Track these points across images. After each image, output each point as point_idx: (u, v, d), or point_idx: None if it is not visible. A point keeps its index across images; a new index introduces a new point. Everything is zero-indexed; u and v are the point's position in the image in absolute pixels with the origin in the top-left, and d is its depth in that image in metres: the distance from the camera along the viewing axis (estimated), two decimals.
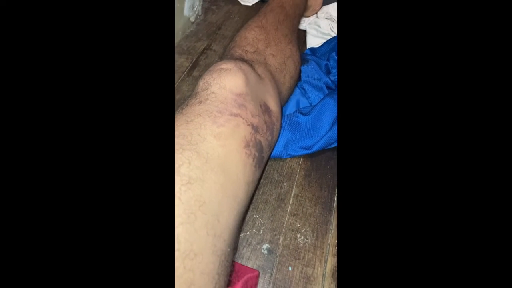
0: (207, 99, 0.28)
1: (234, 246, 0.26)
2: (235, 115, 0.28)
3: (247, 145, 0.27)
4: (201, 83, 0.31)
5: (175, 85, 0.54)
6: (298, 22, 0.60)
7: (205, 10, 0.71)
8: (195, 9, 0.65)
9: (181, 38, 0.62)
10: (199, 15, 0.68)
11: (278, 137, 0.37)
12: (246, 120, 0.28)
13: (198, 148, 0.24)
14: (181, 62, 0.58)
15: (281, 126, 0.38)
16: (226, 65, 0.31)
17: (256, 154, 0.29)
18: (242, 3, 0.76)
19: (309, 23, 0.69)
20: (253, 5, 0.76)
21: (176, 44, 0.60)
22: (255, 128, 0.29)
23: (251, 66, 0.35)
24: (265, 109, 0.32)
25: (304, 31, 0.68)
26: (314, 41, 0.66)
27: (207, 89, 0.29)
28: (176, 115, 0.27)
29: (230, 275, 0.26)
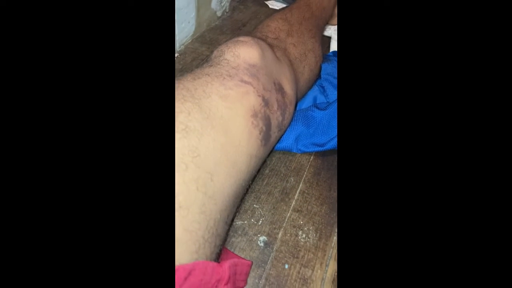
0: (219, 63, 0.27)
1: (227, 221, 0.24)
2: (246, 82, 0.26)
3: (254, 115, 0.25)
4: (215, 52, 0.30)
5: (192, 71, 0.54)
6: (324, 24, 0.59)
7: (233, 8, 0.72)
8: (222, 4, 0.66)
9: (205, 29, 0.62)
10: (226, 12, 0.69)
11: (289, 122, 0.35)
12: (257, 90, 0.26)
13: (201, 103, 0.23)
14: (201, 50, 0.58)
15: (294, 112, 0.36)
16: (243, 38, 0.30)
17: (264, 128, 0.27)
18: (270, 6, 0.77)
19: (334, 29, 0.68)
20: (280, 9, 0.77)
21: (199, 34, 0.61)
22: (265, 102, 0.27)
23: (270, 46, 0.34)
24: (279, 88, 0.31)
25: (329, 38, 0.67)
26: (337, 46, 0.65)
27: (220, 56, 0.28)
28: (184, 75, 0.26)
29: (219, 255, 0.23)
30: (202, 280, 0.18)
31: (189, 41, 0.59)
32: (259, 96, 0.26)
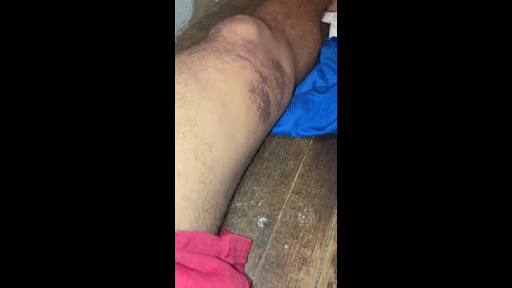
0: (215, 39, 0.27)
1: (227, 195, 0.24)
2: (243, 57, 0.26)
3: (252, 90, 0.25)
4: (212, 29, 0.29)
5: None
6: (322, 9, 0.58)
7: None
8: None
9: (203, 15, 0.61)
10: None
11: (289, 102, 0.35)
12: (254, 66, 0.26)
13: (198, 75, 0.22)
14: (199, 36, 0.57)
15: (293, 92, 0.36)
16: (240, 16, 0.30)
17: (262, 104, 0.26)
18: None
19: (334, 16, 0.67)
20: None
21: (197, 20, 0.60)
22: (263, 78, 0.27)
23: (268, 25, 0.34)
24: (277, 66, 0.30)
25: (328, 25, 0.67)
26: (337, 33, 0.64)
27: (217, 33, 0.28)
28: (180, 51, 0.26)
29: (220, 230, 0.23)
30: (202, 250, 0.18)
31: (187, 26, 0.58)
32: (256, 71, 0.26)
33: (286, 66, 0.32)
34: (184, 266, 0.15)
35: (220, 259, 0.19)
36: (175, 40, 0.55)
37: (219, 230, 0.23)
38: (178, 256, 0.16)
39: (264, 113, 0.27)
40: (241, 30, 0.28)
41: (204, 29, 0.59)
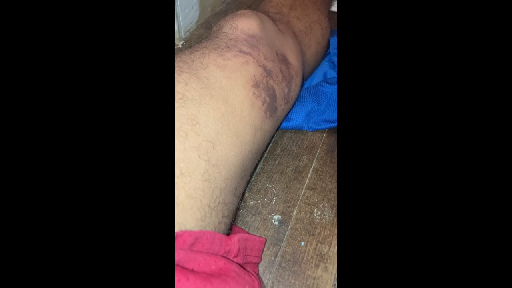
0: (217, 37, 0.26)
1: (235, 192, 0.23)
2: (245, 52, 0.25)
3: (256, 85, 0.25)
4: (214, 27, 0.29)
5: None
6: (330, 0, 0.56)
7: None
8: None
9: (210, 15, 0.61)
10: None
11: (297, 94, 0.34)
12: (257, 60, 0.26)
13: (198, 73, 0.22)
14: (206, 36, 0.57)
15: (302, 85, 0.35)
16: (242, 11, 0.29)
17: (267, 99, 0.26)
18: None
19: None
20: None
21: (204, 20, 0.60)
22: (267, 72, 0.26)
23: (271, 18, 0.33)
24: (283, 59, 0.30)
25: (337, 13, 0.64)
26: None
27: (218, 30, 0.28)
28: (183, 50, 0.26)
29: (230, 228, 0.23)
30: (210, 249, 0.17)
31: (194, 27, 0.58)
32: (259, 66, 0.26)
33: (292, 58, 0.31)
34: (184, 268, 0.15)
35: (228, 258, 0.19)
36: (183, 42, 0.56)
37: (229, 227, 0.23)
38: (181, 255, 0.16)
39: (271, 108, 0.26)
40: (243, 25, 0.27)
41: (211, 28, 0.59)
